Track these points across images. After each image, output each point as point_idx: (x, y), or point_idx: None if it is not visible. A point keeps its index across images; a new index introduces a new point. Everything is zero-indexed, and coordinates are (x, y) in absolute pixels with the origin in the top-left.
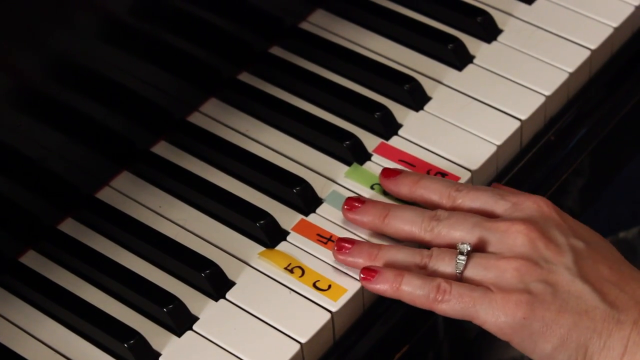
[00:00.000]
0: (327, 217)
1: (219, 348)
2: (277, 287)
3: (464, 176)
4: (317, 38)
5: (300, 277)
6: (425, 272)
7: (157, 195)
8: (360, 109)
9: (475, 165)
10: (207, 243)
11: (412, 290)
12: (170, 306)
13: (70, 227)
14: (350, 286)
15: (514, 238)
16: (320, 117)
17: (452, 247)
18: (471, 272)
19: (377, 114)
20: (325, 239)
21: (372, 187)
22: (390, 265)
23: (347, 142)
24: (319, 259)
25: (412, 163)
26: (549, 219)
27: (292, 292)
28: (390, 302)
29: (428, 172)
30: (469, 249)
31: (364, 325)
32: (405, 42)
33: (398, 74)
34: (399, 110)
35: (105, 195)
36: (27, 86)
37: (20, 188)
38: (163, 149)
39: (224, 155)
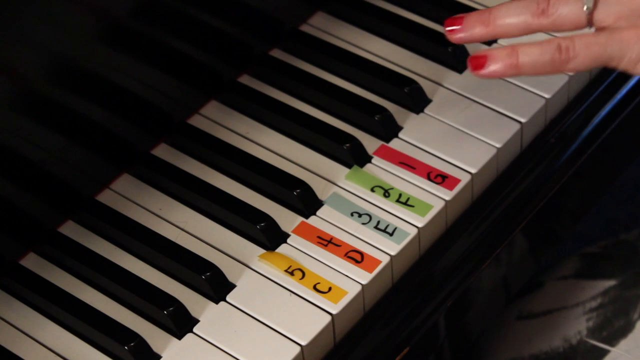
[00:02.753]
0: (328, 219)
1: (219, 350)
2: (277, 289)
3: (464, 179)
4: (317, 40)
5: (300, 279)
6: (545, 21)
7: (157, 197)
8: (361, 112)
9: (475, 167)
10: (207, 245)
11: (532, 60)
12: (171, 308)
13: (71, 230)
14: (350, 289)
15: None
16: (320, 119)
17: None
18: (602, 10)
19: (378, 116)
20: (325, 241)
21: (372, 190)
22: (507, 25)
23: (348, 145)
24: (319, 261)
25: (412, 165)
26: None
27: (292, 294)
28: (390, 304)
29: (428, 175)
30: None
31: (365, 328)
32: (405, 44)
33: (398, 76)
34: (399, 113)
35: (106, 197)
36: (28, 89)
37: (21, 190)
38: (163, 152)
39: (224, 158)
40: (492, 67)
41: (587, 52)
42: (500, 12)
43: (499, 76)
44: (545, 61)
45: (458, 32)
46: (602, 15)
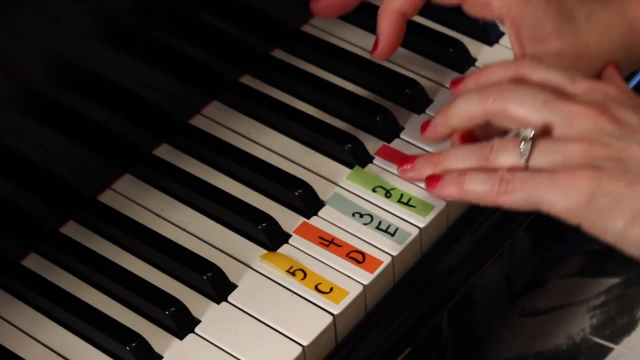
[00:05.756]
0: (329, 219)
1: (221, 351)
2: (278, 289)
3: None
4: (319, 41)
5: (302, 279)
6: (489, 167)
7: (158, 197)
8: (362, 112)
9: None
10: (209, 246)
11: (476, 187)
12: (172, 309)
13: (72, 230)
14: (352, 289)
15: (584, 122)
16: (322, 119)
17: (513, 126)
18: (537, 158)
19: (379, 116)
20: (327, 241)
21: (374, 190)
22: (454, 168)
23: (349, 145)
24: (320, 261)
25: None
26: (620, 102)
27: (294, 294)
28: (392, 304)
29: None
30: (532, 134)
31: (366, 328)
32: (408, 45)
33: (400, 76)
34: (400, 113)
35: (107, 198)
36: (29, 89)
37: (22, 191)
38: (165, 152)
39: (225, 158)
40: (444, 190)
41: (522, 188)
42: (448, 157)
43: (448, 198)
44: (485, 190)
45: (408, 171)
46: (537, 163)
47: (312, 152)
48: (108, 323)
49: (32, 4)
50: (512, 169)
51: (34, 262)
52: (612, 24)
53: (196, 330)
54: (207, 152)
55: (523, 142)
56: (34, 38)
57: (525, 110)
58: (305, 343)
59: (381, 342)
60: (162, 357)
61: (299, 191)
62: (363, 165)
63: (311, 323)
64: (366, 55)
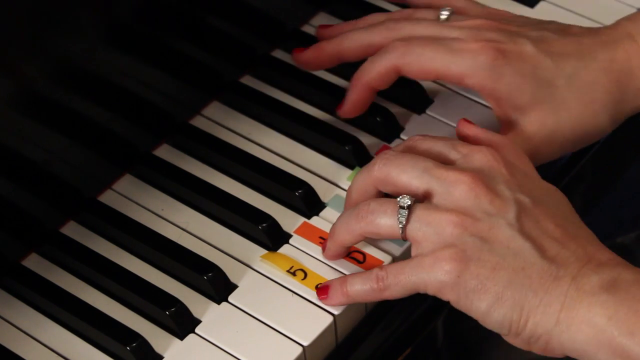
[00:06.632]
0: (330, 220)
1: (221, 351)
2: (279, 290)
3: None
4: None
5: (302, 279)
6: (366, 227)
7: (159, 198)
8: (364, 113)
9: None
10: (209, 246)
11: (357, 289)
12: (173, 309)
13: (73, 230)
14: None
15: (459, 190)
16: (322, 120)
17: (398, 191)
18: (413, 228)
19: (380, 118)
20: None
21: None
22: (342, 245)
23: (350, 146)
24: (321, 261)
25: None
26: (497, 173)
27: (294, 294)
28: (391, 305)
29: None
30: (409, 203)
31: (366, 329)
32: None
33: (402, 78)
34: (401, 113)
35: (108, 198)
36: (30, 89)
37: (23, 191)
38: (165, 152)
39: (226, 158)
40: (334, 299)
41: (396, 280)
42: (336, 225)
43: (339, 305)
44: (366, 290)
45: (325, 253)
46: (412, 232)
47: (313, 152)
48: (108, 323)
49: (33, 5)
50: (390, 232)
51: (35, 262)
52: (596, 83)
53: (196, 330)
54: (207, 152)
55: (401, 210)
56: (34, 38)
57: (406, 177)
58: (305, 343)
59: (381, 342)
60: (162, 357)
61: (300, 191)
62: (363, 166)
63: (312, 323)
64: None
